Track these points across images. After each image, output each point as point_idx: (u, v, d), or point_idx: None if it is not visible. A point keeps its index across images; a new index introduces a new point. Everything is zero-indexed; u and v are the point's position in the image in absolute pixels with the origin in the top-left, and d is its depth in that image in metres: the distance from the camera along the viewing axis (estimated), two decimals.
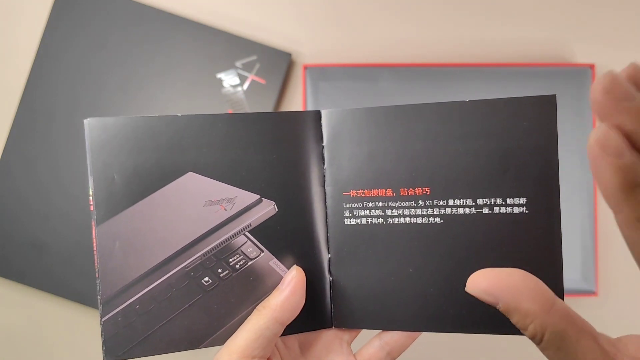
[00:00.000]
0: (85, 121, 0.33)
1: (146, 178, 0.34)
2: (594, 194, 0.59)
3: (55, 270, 0.61)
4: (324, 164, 0.36)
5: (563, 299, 0.32)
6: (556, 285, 0.32)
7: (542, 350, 0.25)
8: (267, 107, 0.62)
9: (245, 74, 0.62)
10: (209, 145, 0.34)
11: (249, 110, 0.61)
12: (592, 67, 0.59)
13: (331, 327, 0.36)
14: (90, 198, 0.33)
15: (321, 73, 0.61)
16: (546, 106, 0.31)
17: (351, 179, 0.35)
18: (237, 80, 0.62)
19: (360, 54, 0.63)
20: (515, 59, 0.62)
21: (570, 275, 0.58)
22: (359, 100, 0.60)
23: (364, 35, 0.64)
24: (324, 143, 0.36)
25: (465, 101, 0.32)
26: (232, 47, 0.62)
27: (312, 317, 0.36)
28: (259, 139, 0.35)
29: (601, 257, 0.60)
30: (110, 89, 0.62)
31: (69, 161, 0.62)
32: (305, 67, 0.61)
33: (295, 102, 0.63)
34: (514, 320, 0.25)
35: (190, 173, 0.34)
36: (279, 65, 0.62)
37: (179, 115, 0.34)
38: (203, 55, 0.62)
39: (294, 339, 0.38)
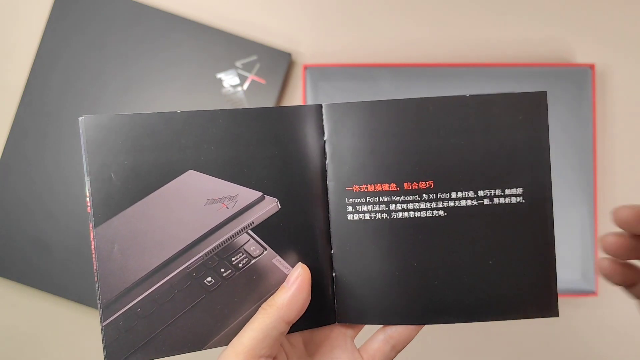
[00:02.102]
0: (80, 119, 0.32)
1: (145, 177, 0.33)
2: (594, 194, 0.58)
3: (56, 270, 0.61)
4: (325, 159, 0.35)
5: (556, 283, 0.34)
6: (550, 266, 0.34)
7: None
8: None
9: (245, 74, 0.62)
10: (209, 142, 0.33)
11: None
12: (592, 67, 0.59)
13: (335, 323, 0.36)
14: (88, 199, 0.32)
15: (321, 73, 0.61)
16: (538, 101, 0.34)
17: (354, 173, 0.35)
18: (237, 80, 0.62)
19: (360, 54, 0.63)
20: (515, 59, 0.62)
21: (570, 276, 0.58)
22: (359, 100, 0.60)
23: (364, 35, 0.63)
24: (326, 137, 0.35)
25: (465, 95, 0.34)
26: (232, 47, 0.62)
27: (315, 313, 0.35)
28: (260, 135, 0.34)
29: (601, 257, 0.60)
30: (110, 89, 0.62)
31: (69, 161, 0.62)
32: (305, 67, 0.61)
33: (295, 102, 0.63)
34: None
35: (191, 171, 0.33)
36: (279, 65, 0.62)
37: (178, 111, 0.33)
38: (203, 55, 0.62)
39: (298, 336, 0.38)
